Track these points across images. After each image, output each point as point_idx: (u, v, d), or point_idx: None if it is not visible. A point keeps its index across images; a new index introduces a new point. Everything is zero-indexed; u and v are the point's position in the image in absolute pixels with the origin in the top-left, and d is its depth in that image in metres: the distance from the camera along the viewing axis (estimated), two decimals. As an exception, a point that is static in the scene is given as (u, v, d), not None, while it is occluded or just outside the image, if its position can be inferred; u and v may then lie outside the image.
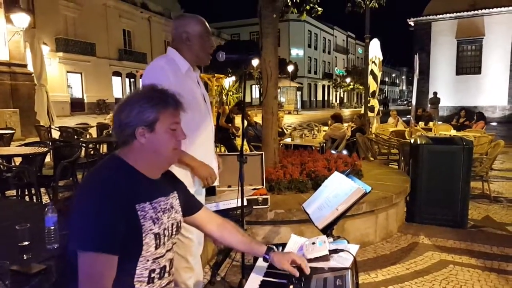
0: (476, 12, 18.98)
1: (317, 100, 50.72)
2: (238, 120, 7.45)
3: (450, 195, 4.17)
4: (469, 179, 4.29)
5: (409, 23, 21.40)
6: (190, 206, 1.43)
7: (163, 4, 32.17)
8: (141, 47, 29.62)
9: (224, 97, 17.83)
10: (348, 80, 49.00)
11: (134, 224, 1.14)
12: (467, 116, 10.97)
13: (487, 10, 18.70)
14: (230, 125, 8.10)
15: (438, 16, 20.01)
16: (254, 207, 2.91)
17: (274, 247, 1.43)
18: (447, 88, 19.81)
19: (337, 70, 54.06)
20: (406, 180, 4.35)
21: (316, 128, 9.78)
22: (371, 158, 6.67)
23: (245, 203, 2.31)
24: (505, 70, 18.63)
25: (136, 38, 29.33)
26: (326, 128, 8.59)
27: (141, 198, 1.19)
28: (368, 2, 6.93)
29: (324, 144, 6.47)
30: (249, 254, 1.49)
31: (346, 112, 32.41)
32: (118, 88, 28.18)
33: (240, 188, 2.14)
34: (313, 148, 6.23)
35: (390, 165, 6.67)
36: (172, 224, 1.29)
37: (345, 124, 8.36)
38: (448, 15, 19.77)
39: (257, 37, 4.41)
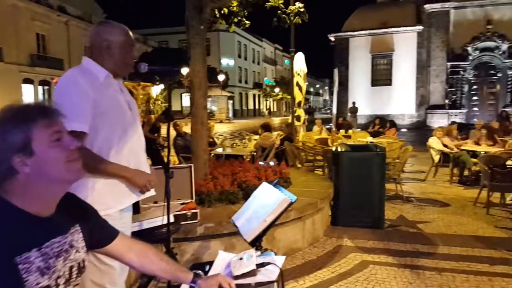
0: (386, 30, 20.91)
1: (249, 109, 51.54)
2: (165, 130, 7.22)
3: (368, 198, 4.46)
4: (384, 182, 4.64)
5: (330, 38, 22.84)
6: (101, 237, 1.22)
7: (83, 8, 30.22)
8: (58, 53, 27.35)
9: (151, 106, 17.21)
10: (277, 90, 50.65)
11: (12, 283, 0.91)
12: (381, 123, 11.96)
13: (395, 29, 20.71)
14: (156, 135, 7.81)
15: (355, 33, 21.65)
16: (182, 223, 2.79)
17: (200, 272, 1.36)
18: (364, 98, 21.42)
19: (266, 80, 55.59)
20: (330, 186, 4.55)
21: (247, 137, 9.88)
22: (299, 165, 6.90)
23: (172, 219, 2.20)
24: (411, 82, 20.74)
25: (51, 42, 27.01)
26: (256, 137, 8.73)
27: (24, 247, 0.94)
28: (292, 18, 7.23)
29: (255, 153, 6.55)
30: (175, 282, 1.35)
31: (276, 121, 33.36)
32: (29, 97, 25.62)
33: (166, 204, 2.04)
34: (243, 157, 6.26)
35: (315, 172, 6.97)
36: (71, 267, 1.05)
37: (275, 133, 8.57)
38: (363, 31, 21.48)
39: (186, 45, 4.32)
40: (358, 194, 4.47)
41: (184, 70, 17.40)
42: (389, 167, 5.81)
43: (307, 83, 9.62)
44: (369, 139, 9.40)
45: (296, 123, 8.98)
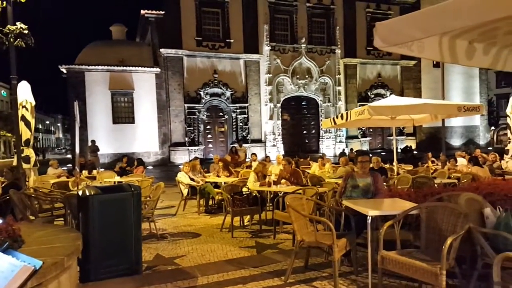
0: (125, 68, 21.35)
1: None
2: None
3: (124, 243, 4.16)
4: (140, 223, 4.48)
5: (62, 69, 21.06)
6: None
7: None
8: None
9: None
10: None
11: None
12: (129, 162, 11.81)
13: (134, 68, 21.47)
14: None
15: (91, 67, 20.90)
16: None
17: None
18: (106, 136, 20.74)
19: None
20: (77, 237, 3.93)
21: None
22: (32, 217, 5.70)
23: None
24: (154, 120, 21.88)
25: None
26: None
27: None
28: (12, 40, 6.15)
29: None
30: None
31: (-10, 165, 26.90)
32: None
33: None
34: None
35: (56, 222, 5.96)
36: None
37: (-9, 180, 6.80)
38: (100, 67, 21.04)
39: None
40: (112, 241, 4.10)
41: None
42: (143, 206, 5.70)
43: (34, 118, 8.29)
44: (117, 178, 9.04)
45: (25, 165, 7.49)
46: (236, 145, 16.83)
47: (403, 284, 3.61)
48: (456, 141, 28.29)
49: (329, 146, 23.97)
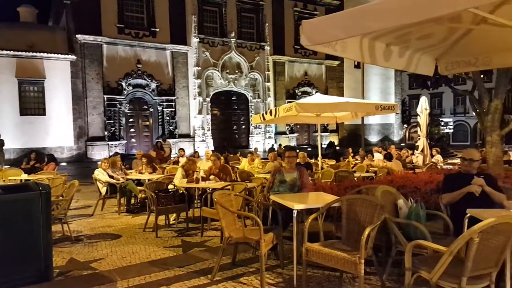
0: (35, 54, 19.41)
1: None
2: None
3: (31, 248, 3.78)
4: (51, 225, 4.10)
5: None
6: None
7: None
8: None
9: None
10: None
11: None
12: (38, 158, 10.79)
13: (45, 54, 19.61)
14: None
15: (-6, 51, 18.68)
16: None
17: None
18: (12, 129, 18.72)
19: None
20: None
21: None
22: None
23: None
24: (68, 113, 20.23)
25: None
26: None
27: None
28: None
29: None
30: None
31: None
32: None
33: None
34: None
35: None
36: None
37: None
38: (5, 52, 18.90)
39: None
40: (17, 246, 3.70)
41: None
42: (53, 206, 5.25)
43: None
44: (24, 176, 8.23)
45: None
46: (161, 139, 16.32)
47: (326, 274, 3.80)
48: (373, 138, 30.67)
49: (259, 142, 24.40)
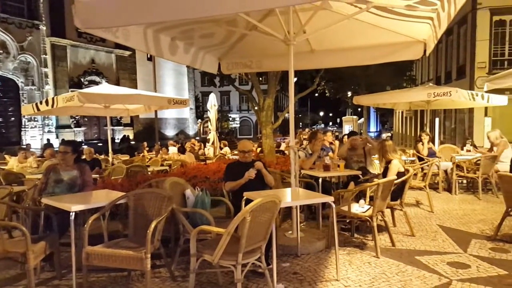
0: None
1: None
2: None
3: None
4: None
5: None
6: None
7: None
8: None
9: None
10: None
11: None
12: None
13: None
14: None
15: None
16: None
17: None
18: None
19: None
20: None
21: None
22: None
23: None
24: None
25: None
26: None
27: None
28: None
29: None
30: None
31: None
32: None
33: None
34: None
35: None
36: None
37: None
38: None
39: None
40: None
41: None
42: None
43: None
44: None
45: None
46: None
47: (112, 276, 3.61)
48: (170, 132, 31.38)
49: (35, 137, 21.20)
